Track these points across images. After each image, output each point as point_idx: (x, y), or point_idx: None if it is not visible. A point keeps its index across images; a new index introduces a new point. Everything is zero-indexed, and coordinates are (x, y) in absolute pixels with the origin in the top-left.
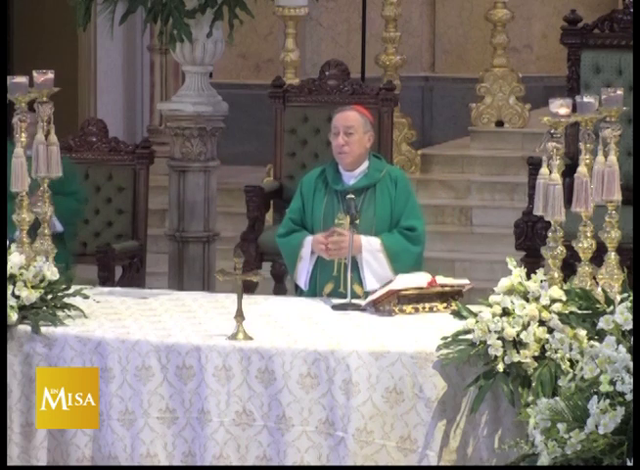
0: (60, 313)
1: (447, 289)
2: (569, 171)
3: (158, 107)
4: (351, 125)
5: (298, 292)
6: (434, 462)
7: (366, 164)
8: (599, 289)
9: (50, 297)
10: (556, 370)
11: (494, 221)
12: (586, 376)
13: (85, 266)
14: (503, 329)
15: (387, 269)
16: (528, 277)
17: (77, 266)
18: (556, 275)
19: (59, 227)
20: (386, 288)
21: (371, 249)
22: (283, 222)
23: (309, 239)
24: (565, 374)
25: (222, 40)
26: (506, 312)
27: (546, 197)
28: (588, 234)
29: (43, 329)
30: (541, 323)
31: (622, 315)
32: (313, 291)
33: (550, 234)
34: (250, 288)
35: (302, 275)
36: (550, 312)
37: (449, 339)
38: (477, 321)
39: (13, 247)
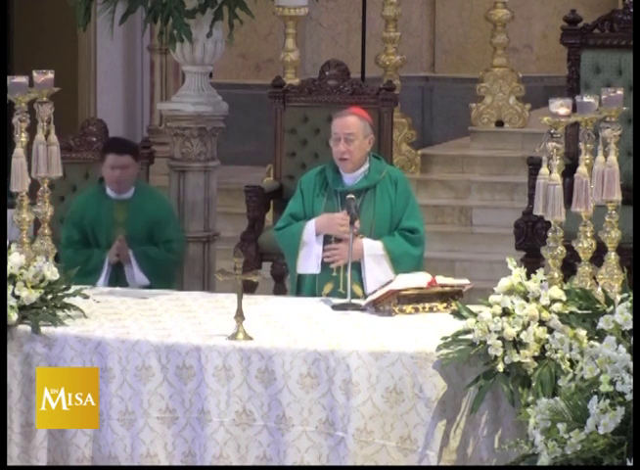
0: (60, 313)
1: (447, 289)
2: (569, 171)
3: (158, 107)
4: (352, 132)
5: (303, 287)
6: (434, 462)
7: (366, 165)
8: (599, 289)
9: (50, 297)
10: (556, 370)
11: (494, 221)
12: (586, 376)
13: None
14: (503, 329)
15: (389, 273)
16: (528, 277)
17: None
18: (556, 275)
19: (139, 280)
20: (386, 288)
21: (373, 253)
22: (282, 218)
23: (311, 223)
24: (565, 374)
25: (222, 40)
26: (506, 312)
27: (546, 197)
28: (588, 234)
29: (43, 329)
30: (541, 323)
31: (622, 315)
32: (313, 291)
33: (550, 234)
34: (250, 288)
35: (308, 261)
36: (550, 312)
37: (449, 339)
38: (477, 321)
39: (13, 247)
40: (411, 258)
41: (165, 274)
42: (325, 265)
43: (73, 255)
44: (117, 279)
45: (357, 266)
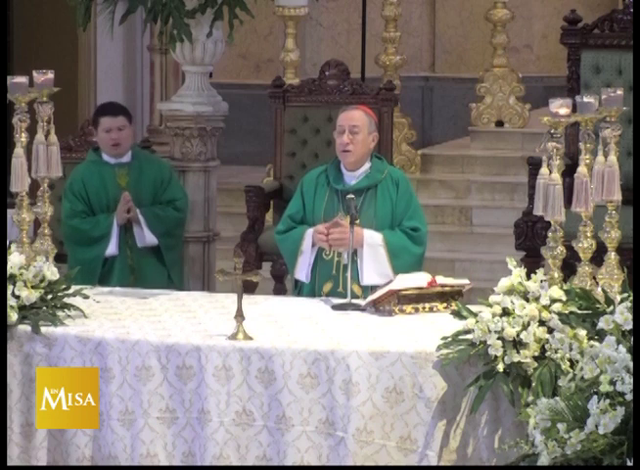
0: (60, 313)
1: (447, 289)
2: (569, 171)
3: (158, 107)
4: (357, 125)
5: (297, 290)
6: (434, 462)
7: (368, 164)
8: (599, 289)
9: (50, 297)
10: (556, 370)
11: (494, 221)
12: (586, 376)
13: None
14: (503, 329)
15: (386, 265)
16: (528, 277)
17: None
18: (556, 275)
19: (149, 239)
20: (386, 288)
21: (372, 243)
22: (282, 220)
23: (310, 231)
24: (565, 374)
25: (222, 40)
26: (506, 312)
27: (546, 197)
28: (588, 234)
29: (43, 329)
30: (541, 323)
31: (622, 315)
32: (312, 290)
33: (550, 234)
34: (250, 288)
35: (303, 268)
36: (550, 312)
37: (449, 339)
38: (477, 321)
39: (13, 247)
40: (410, 254)
41: (173, 233)
42: (324, 265)
43: (80, 224)
44: (127, 242)
45: (356, 264)
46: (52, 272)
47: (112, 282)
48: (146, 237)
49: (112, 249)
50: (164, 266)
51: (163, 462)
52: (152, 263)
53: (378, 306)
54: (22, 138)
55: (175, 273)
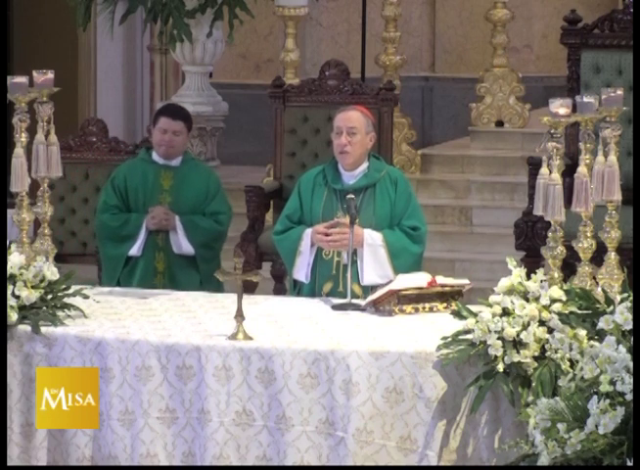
0: (60, 313)
1: (447, 289)
2: (569, 171)
3: (158, 107)
4: (354, 126)
5: (296, 290)
6: (434, 462)
7: (366, 164)
8: (599, 289)
9: (50, 297)
10: (556, 370)
11: (494, 221)
12: (586, 376)
13: (85, 266)
14: (503, 329)
15: (386, 265)
16: (528, 277)
17: (78, 266)
18: (556, 275)
19: (185, 249)
20: (386, 288)
21: (372, 243)
22: (279, 220)
23: (308, 231)
24: (565, 374)
25: (222, 40)
26: (506, 312)
27: (546, 197)
28: (588, 234)
29: (43, 329)
30: (541, 323)
31: (622, 315)
32: (312, 290)
33: (550, 234)
34: (250, 288)
35: (302, 269)
36: (550, 312)
37: (449, 339)
38: (477, 321)
39: (13, 247)
40: (410, 254)
41: (211, 245)
42: (324, 265)
43: (109, 220)
44: (158, 244)
45: (356, 264)
46: (52, 272)
47: (133, 282)
48: (182, 245)
49: (134, 250)
50: (198, 272)
51: (163, 462)
52: (185, 269)
53: (378, 306)
54: (22, 138)
55: (210, 286)
